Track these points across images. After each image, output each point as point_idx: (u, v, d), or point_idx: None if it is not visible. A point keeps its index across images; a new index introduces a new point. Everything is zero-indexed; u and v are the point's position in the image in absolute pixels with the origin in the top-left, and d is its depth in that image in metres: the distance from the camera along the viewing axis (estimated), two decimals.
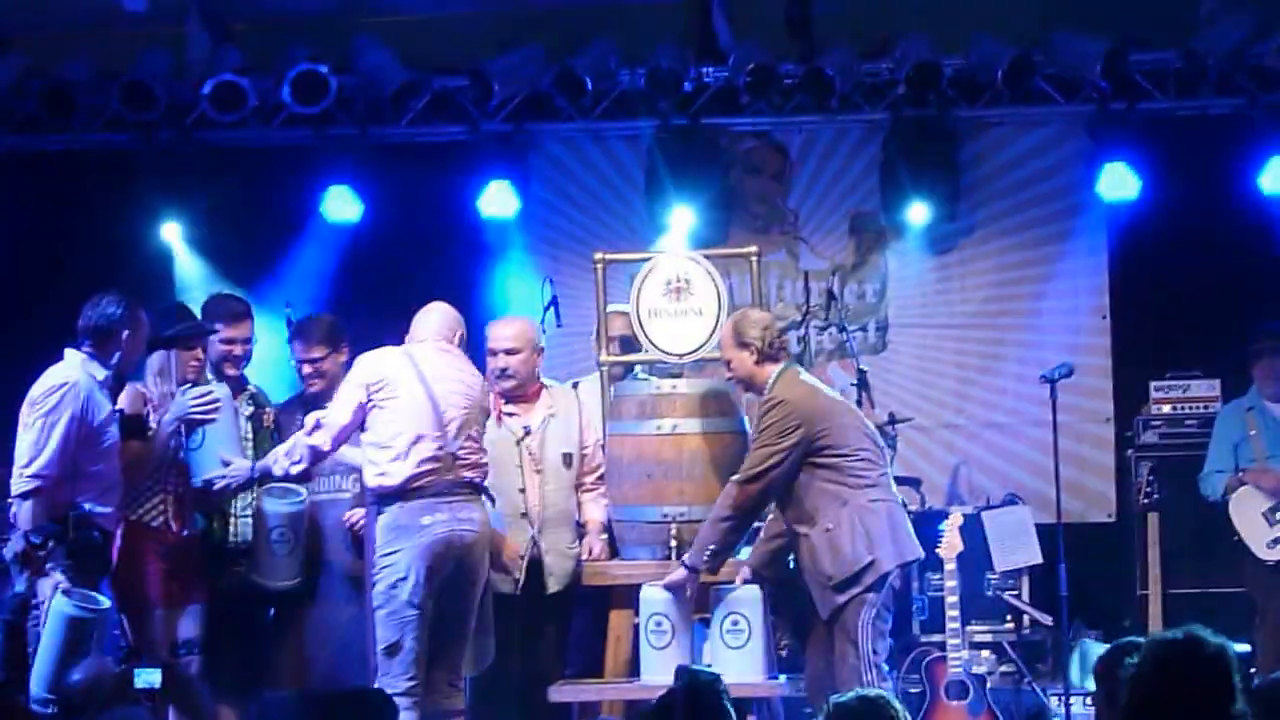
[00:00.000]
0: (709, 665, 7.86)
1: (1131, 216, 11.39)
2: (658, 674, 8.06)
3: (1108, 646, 9.71)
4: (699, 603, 8.27)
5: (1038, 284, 11.71)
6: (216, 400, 8.36)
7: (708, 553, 8.03)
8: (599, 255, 9.08)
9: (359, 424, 8.14)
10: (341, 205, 11.36)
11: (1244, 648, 8.73)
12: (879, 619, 7.90)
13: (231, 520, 8.84)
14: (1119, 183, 11.16)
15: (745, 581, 8.23)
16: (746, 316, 8.27)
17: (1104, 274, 11.65)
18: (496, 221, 11.53)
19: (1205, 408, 10.92)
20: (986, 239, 11.75)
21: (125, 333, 8.08)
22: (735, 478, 8.03)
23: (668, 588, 8.18)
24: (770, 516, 8.33)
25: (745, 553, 8.46)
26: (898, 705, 5.13)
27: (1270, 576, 9.93)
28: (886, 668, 8.02)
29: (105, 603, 7.81)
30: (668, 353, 8.78)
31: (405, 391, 8.09)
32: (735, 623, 8.15)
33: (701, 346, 8.65)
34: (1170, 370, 11.06)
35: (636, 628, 8.38)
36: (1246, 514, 10.06)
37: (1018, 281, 11.74)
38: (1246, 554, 10.03)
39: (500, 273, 11.72)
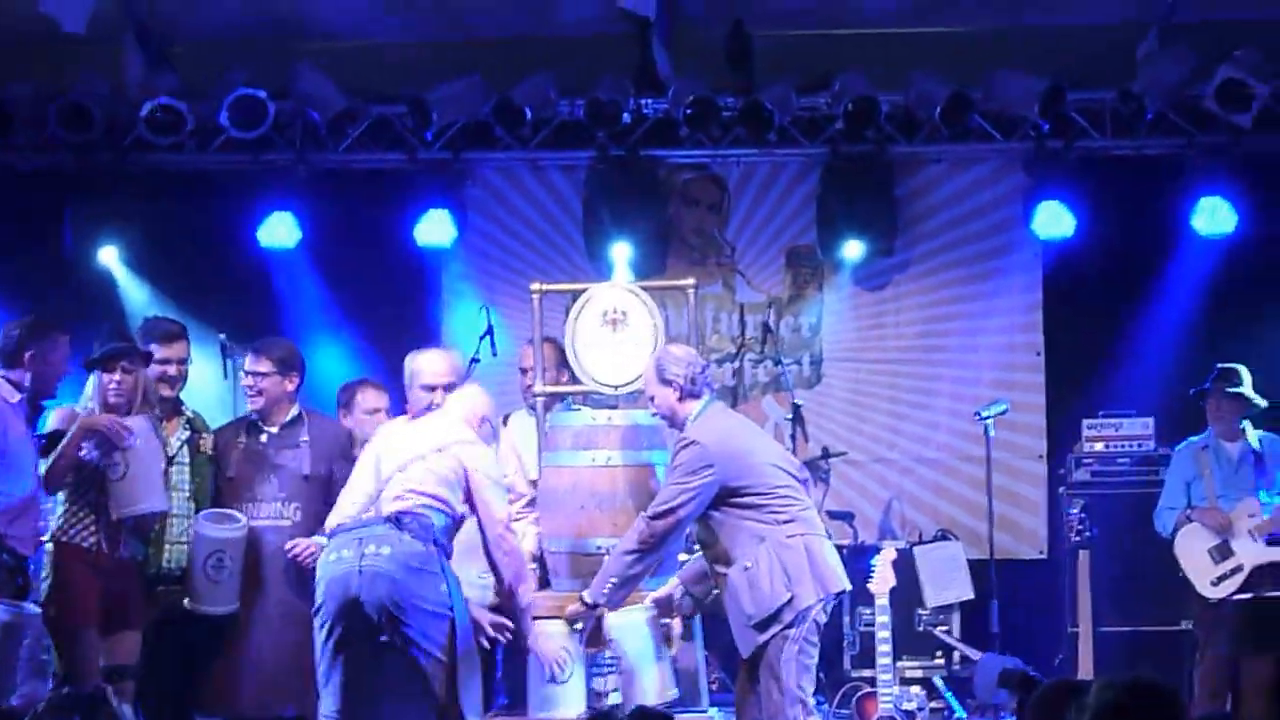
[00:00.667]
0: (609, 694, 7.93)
1: (1067, 254, 11.46)
2: (557, 708, 8.08)
3: (1014, 666, 9.88)
4: (592, 636, 8.25)
5: (972, 320, 11.75)
6: (126, 426, 8.29)
7: (609, 585, 8.01)
8: (536, 285, 9.06)
9: None
10: (279, 231, 11.31)
11: None
12: (803, 654, 7.83)
13: (167, 547, 8.78)
14: (1055, 221, 11.22)
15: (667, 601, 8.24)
16: (669, 353, 8.26)
17: (1039, 311, 11.71)
18: (433, 250, 11.51)
19: (1138, 446, 10.99)
20: (922, 275, 11.79)
21: (29, 354, 8.05)
22: (644, 513, 8.00)
23: (569, 621, 8.16)
24: None
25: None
26: None
27: (1213, 614, 9.98)
28: (814, 702, 8.00)
29: (34, 609, 7.76)
30: (603, 384, 8.78)
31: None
32: (614, 653, 8.15)
33: (638, 378, 8.62)
34: (1103, 408, 11.12)
35: None
36: (1192, 551, 10.10)
37: (952, 317, 11.78)
38: (1191, 591, 10.09)
39: (437, 301, 11.70)
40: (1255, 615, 8.34)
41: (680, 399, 8.10)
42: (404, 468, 7.93)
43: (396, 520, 7.81)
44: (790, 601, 7.81)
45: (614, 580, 8.00)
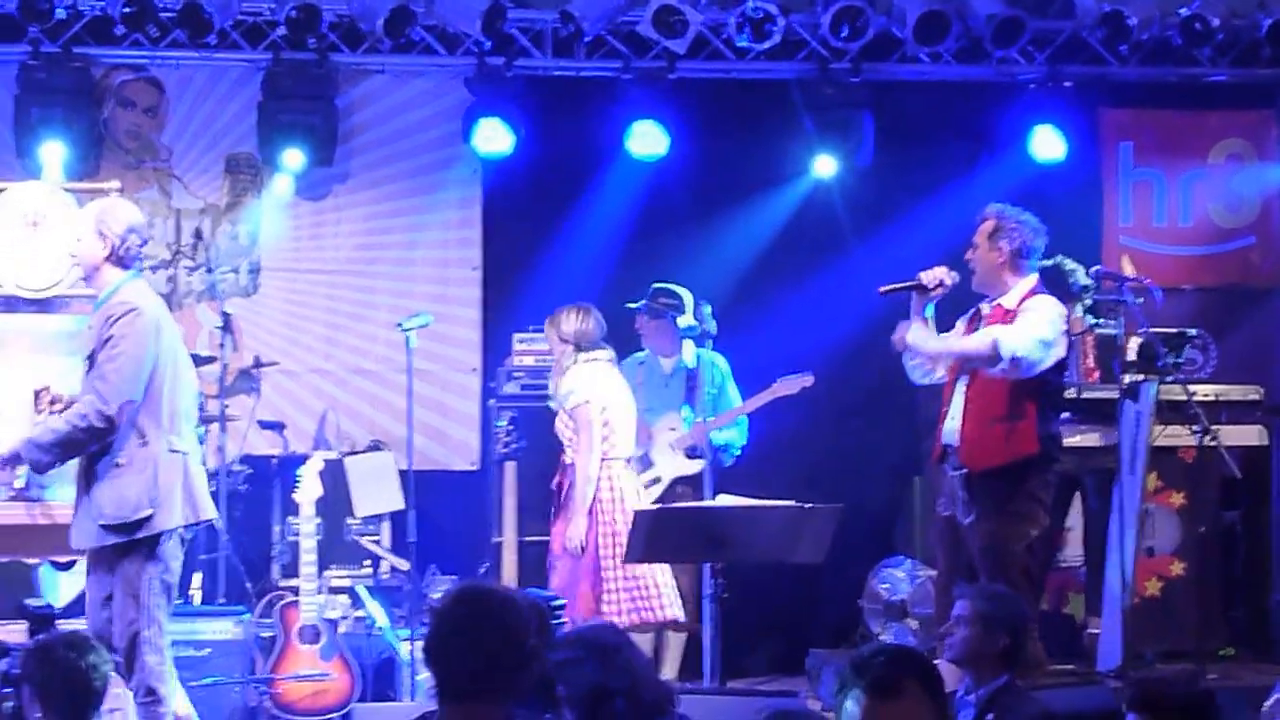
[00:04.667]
0: None
1: (506, 172, 11.59)
2: None
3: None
4: None
5: (411, 233, 11.81)
6: None
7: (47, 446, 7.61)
8: None
9: None
10: None
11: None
12: (167, 572, 7.64)
13: None
14: (494, 138, 11.30)
15: None
16: (119, 206, 7.83)
17: (477, 226, 11.83)
18: None
19: None
20: (362, 186, 11.78)
21: None
22: (97, 402, 7.48)
23: None
24: None
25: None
26: None
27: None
28: (165, 621, 7.69)
29: None
30: (21, 288, 8.58)
31: None
32: None
33: (59, 283, 8.45)
34: (533, 323, 11.31)
35: None
36: None
37: (391, 230, 11.81)
38: None
39: None
40: (641, 524, 8.66)
41: (109, 259, 7.60)
42: None
43: None
44: (150, 519, 7.57)
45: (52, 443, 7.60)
